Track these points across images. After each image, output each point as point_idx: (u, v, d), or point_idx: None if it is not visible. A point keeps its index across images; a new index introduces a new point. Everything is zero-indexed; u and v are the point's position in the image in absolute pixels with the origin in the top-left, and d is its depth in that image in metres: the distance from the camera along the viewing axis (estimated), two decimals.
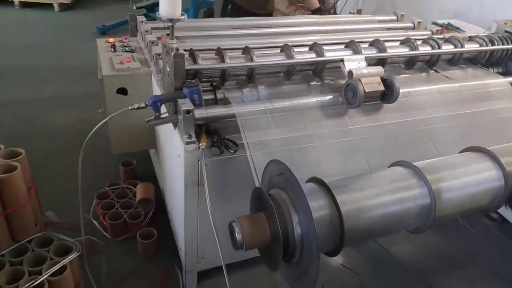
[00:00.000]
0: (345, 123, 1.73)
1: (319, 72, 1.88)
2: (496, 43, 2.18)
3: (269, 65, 1.73)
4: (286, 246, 1.18)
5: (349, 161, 1.65)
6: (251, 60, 1.70)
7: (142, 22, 2.39)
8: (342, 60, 1.79)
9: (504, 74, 2.29)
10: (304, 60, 1.77)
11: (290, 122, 1.66)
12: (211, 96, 1.70)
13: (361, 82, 1.68)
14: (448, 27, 2.89)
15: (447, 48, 2.08)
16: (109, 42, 2.42)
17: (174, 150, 1.70)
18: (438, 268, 2.24)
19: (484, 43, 2.16)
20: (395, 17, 2.91)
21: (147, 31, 2.23)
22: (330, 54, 1.84)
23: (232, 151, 1.56)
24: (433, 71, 2.15)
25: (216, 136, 1.61)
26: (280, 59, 1.77)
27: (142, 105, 1.60)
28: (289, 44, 1.83)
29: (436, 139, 1.79)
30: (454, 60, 2.15)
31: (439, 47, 2.03)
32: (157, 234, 2.15)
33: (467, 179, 1.42)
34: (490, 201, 1.46)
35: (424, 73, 2.15)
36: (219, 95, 1.70)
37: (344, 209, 1.21)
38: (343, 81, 1.89)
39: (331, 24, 2.61)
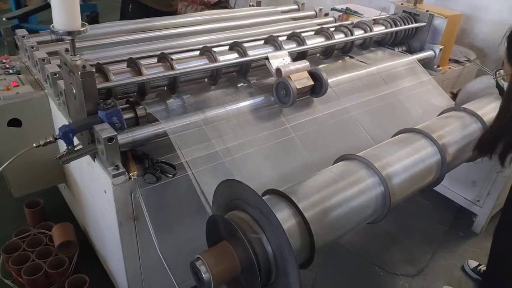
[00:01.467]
0: (282, 123, 1.64)
1: (244, 73, 1.77)
2: (399, 23, 2.28)
3: (193, 72, 1.56)
4: (259, 270, 1.06)
5: (294, 161, 1.57)
6: (172, 68, 1.52)
7: (24, 36, 2.02)
8: (267, 58, 1.70)
9: (408, 52, 2.43)
10: (229, 62, 1.64)
11: (228, 130, 1.52)
12: (130, 115, 1.48)
13: (292, 79, 1.61)
14: (347, 12, 2.99)
15: (359, 33, 2.11)
16: None
17: (97, 185, 1.46)
18: (380, 246, 2.32)
19: (389, 25, 2.25)
20: (296, 7, 2.92)
21: (33, 47, 1.88)
22: (254, 52, 1.74)
23: (171, 175, 1.37)
24: (348, 57, 2.18)
25: (148, 161, 1.40)
26: (203, 63, 1.61)
27: (50, 139, 1.32)
28: (208, 45, 1.68)
29: (365, 122, 1.82)
30: (365, 45, 2.21)
31: (352, 34, 2.05)
32: (89, 280, 1.86)
33: (410, 160, 1.45)
34: (432, 176, 1.51)
35: (340, 61, 2.17)
36: (140, 112, 1.49)
37: (308, 214, 1.13)
38: (269, 79, 1.83)
39: (238, 19, 2.51)
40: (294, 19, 2.73)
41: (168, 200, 1.48)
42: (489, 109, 1.79)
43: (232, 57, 1.68)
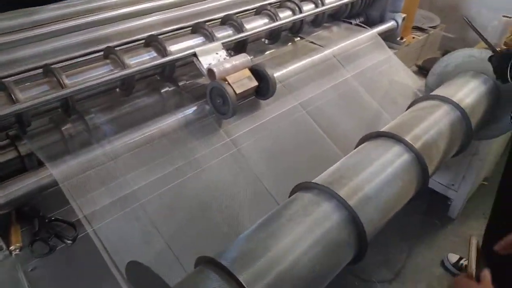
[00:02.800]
0: (220, 137, 1.29)
1: (168, 74, 1.37)
2: None
3: (91, 87, 1.15)
4: None
5: (242, 187, 1.24)
6: (62, 85, 1.11)
7: None
8: (195, 55, 1.31)
9: (366, 23, 2.10)
10: (142, 67, 1.23)
11: (146, 159, 1.16)
12: (11, 156, 1.08)
13: (229, 82, 1.24)
14: None
15: (309, 8, 1.74)
16: None
17: None
18: None
19: None
20: None
21: None
22: (176, 47, 1.34)
23: (70, 240, 1.00)
24: (299, 38, 1.83)
25: (38, 220, 1.02)
26: (106, 71, 1.21)
27: None
28: (112, 45, 1.26)
29: (325, 120, 1.50)
30: (318, 21, 1.85)
31: (301, 10, 1.68)
32: None
33: (382, 177, 1.14)
34: (413, 190, 1.22)
35: (290, 43, 1.81)
36: (24, 150, 1.09)
37: None
38: (203, 78, 1.44)
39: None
40: None
41: (78, 265, 1.11)
42: (467, 92, 1.51)
43: (146, 58, 1.28)
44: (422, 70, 2.12)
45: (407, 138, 1.23)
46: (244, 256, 0.87)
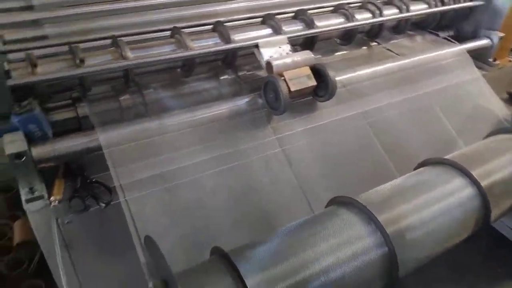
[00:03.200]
0: (268, 133, 1.26)
1: (230, 62, 1.37)
2: (447, 2, 1.77)
3: (151, 62, 1.19)
4: None
5: (278, 188, 1.20)
6: (123, 57, 1.16)
7: None
8: (256, 46, 1.30)
9: (456, 38, 1.92)
10: (203, 51, 1.25)
11: (189, 142, 1.17)
12: (71, 114, 1.16)
13: (285, 79, 1.20)
14: None
15: (391, 13, 1.63)
16: None
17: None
18: None
19: (434, 3, 1.74)
20: None
21: None
22: (241, 36, 1.34)
23: (104, 204, 1.05)
24: (376, 44, 1.72)
25: (81, 179, 1.09)
26: (168, 50, 1.24)
27: None
28: (179, 26, 1.29)
29: (387, 135, 1.40)
30: (400, 28, 1.73)
31: (381, 14, 1.58)
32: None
33: (434, 209, 1.02)
34: (468, 233, 1.09)
35: (364, 47, 1.71)
36: (83, 111, 1.16)
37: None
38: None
39: None
40: None
41: (108, 225, 1.15)
42: None
43: (210, 43, 1.29)
44: None
45: (474, 172, 1.09)
46: (258, 257, 0.84)
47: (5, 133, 1.00)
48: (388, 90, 1.48)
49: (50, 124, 1.08)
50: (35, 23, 1.27)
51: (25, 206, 0.99)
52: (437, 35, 1.85)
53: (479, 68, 1.84)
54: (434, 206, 1.01)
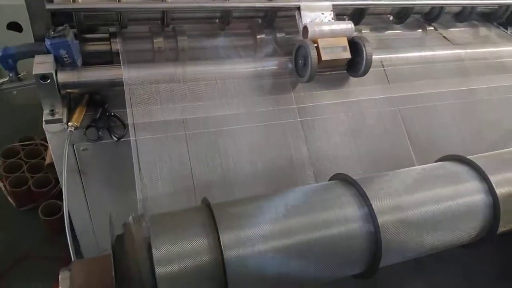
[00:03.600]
0: (289, 101, 1.23)
1: (268, 21, 1.34)
2: None
3: (186, 9, 1.19)
4: None
5: (287, 155, 1.19)
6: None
7: None
8: (298, 8, 1.24)
9: None
10: (241, 5, 1.22)
11: (207, 94, 1.17)
12: (105, 48, 1.20)
13: (318, 46, 1.16)
14: None
15: None
16: None
17: None
18: (403, 271, 1.88)
19: None
20: None
21: None
22: None
23: (116, 138, 1.09)
24: (432, 28, 1.60)
25: (102, 110, 1.13)
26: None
27: None
28: None
29: (418, 127, 1.32)
30: (464, 15, 1.58)
31: None
32: None
33: (438, 207, 0.96)
34: (470, 240, 1.03)
35: (419, 30, 1.59)
36: (116, 47, 1.19)
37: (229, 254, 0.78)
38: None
39: None
40: None
41: (120, 158, 1.20)
42: None
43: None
44: None
45: (493, 177, 1.01)
46: (239, 215, 0.85)
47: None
48: (431, 79, 1.38)
49: (81, 53, 1.12)
50: None
51: (44, 126, 1.05)
52: (505, 30, 1.68)
53: None
54: (437, 205, 0.96)
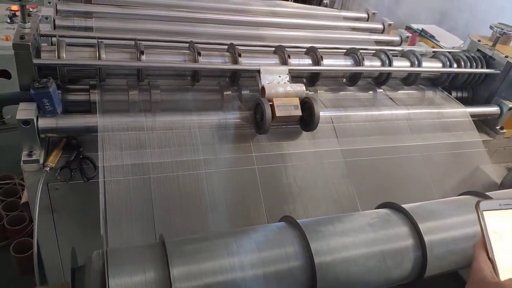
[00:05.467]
0: (247, 149, 1.38)
1: (234, 80, 1.52)
2: (462, 64, 1.82)
3: (159, 68, 1.36)
4: None
5: (245, 203, 1.32)
6: (138, 58, 1.33)
7: None
8: (258, 71, 1.43)
9: (469, 100, 1.96)
10: (207, 66, 1.40)
11: (175, 142, 1.31)
12: (85, 98, 1.35)
13: (273, 104, 1.33)
14: (421, 34, 2.52)
15: (400, 65, 1.72)
16: (11, 10, 2.02)
17: None
18: None
19: (448, 63, 1.80)
20: (365, 15, 2.53)
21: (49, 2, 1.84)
22: (248, 60, 1.48)
23: (86, 179, 1.21)
24: (381, 90, 1.80)
25: (76, 153, 1.25)
26: (179, 59, 1.40)
27: None
28: (195, 41, 1.46)
29: (359, 176, 1.47)
30: (410, 80, 1.80)
31: (390, 64, 1.67)
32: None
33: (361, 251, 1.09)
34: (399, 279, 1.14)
35: (370, 92, 1.80)
36: (94, 97, 1.34)
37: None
38: None
39: (282, 15, 2.20)
40: (354, 29, 2.35)
41: (92, 197, 1.31)
42: None
43: (218, 61, 1.44)
44: None
45: (422, 225, 1.15)
46: (194, 253, 0.96)
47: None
48: (377, 136, 1.56)
49: (62, 101, 1.27)
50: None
51: (22, 166, 1.17)
52: (449, 94, 1.90)
53: (485, 133, 1.87)
54: (370, 247, 1.08)
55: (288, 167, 1.38)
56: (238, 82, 1.52)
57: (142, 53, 1.33)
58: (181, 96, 1.49)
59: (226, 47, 1.53)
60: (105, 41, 1.35)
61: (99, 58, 1.28)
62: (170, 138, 1.30)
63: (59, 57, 1.25)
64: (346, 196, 1.40)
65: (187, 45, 1.48)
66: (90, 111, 1.34)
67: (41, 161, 1.18)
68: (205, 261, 0.94)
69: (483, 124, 1.89)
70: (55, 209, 1.29)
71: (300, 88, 1.39)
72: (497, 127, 1.87)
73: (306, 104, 1.37)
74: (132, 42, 1.41)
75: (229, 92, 1.54)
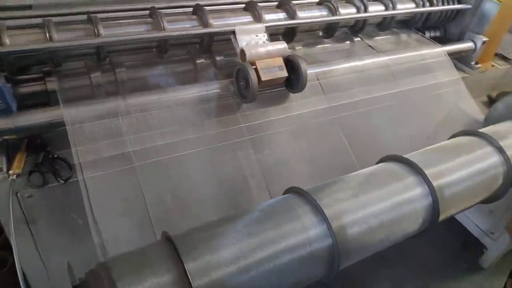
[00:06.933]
0: (236, 121, 1.27)
1: (206, 47, 1.37)
2: (435, 2, 1.76)
3: (124, 41, 1.19)
4: None
5: (241, 176, 1.22)
6: (97, 34, 1.15)
7: None
8: (233, 32, 1.29)
9: (443, 39, 1.92)
10: (177, 33, 1.24)
11: (160, 123, 1.18)
12: (41, 88, 1.16)
13: (256, 67, 1.21)
14: None
15: (376, 10, 1.63)
16: None
17: None
18: (368, 269, 1.96)
19: (421, 3, 1.73)
20: None
21: None
22: (219, 21, 1.33)
23: (63, 180, 1.06)
24: (359, 39, 1.72)
25: (43, 154, 1.09)
26: (143, 30, 1.23)
27: None
28: (158, 6, 1.28)
29: (355, 131, 1.41)
30: (385, 25, 1.72)
31: (366, 10, 1.57)
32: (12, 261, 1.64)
33: (383, 206, 1.05)
34: (416, 230, 1.12)
35: (347, 42, 1.71)
36: (51, 86, 1.16)
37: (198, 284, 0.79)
38: None
39: None
40: None
41: (70, 201, 1.16)
42: None
43: (187, 25, 1.29)
44: (493, 102, 1.91)
45: (428, 171, 1.11)
46: (203, 244, 0.86)
47: None
48: (362, 87, 1.49)
49: (16, 97, 1.08)
50: None
51: None
52: (423, 34, 1.85)
53: (461, 70, 1.86)
54: (383, 203, 1.04)
55: (279, 133, 1.29)
56: (211, 48, 1.38)
57: (98, 28, 1.15)
58: (149, 71, 1.32)
59: (191, 9, 1.36)
60: (53, 19, 1.15)
61: (51, 39, 1.09)
62: (148, 120, 1.16)
63: (1, 44, 1.05)
64: (342, 151, 1.34)
65: (147, 12, 1.30)
66: (49, 103, 1.16)
67: (4, 169, 1.01)
68: (220, 249, 0.85)
69: (458, 61, 1.87)
70: (31, 219, 1.13)
71: (282, 46, 1.27)
72: (472, 63, 1.86)
73: (291, 63, 1.26)
74: (85, 17, 1.22)
75: (202, 60, 1.39)
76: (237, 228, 0.90)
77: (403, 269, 1.98)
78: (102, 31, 1.15)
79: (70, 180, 1.06)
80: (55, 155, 1.09)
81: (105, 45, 1.16)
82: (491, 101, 1.96)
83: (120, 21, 1.24)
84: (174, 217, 1.09)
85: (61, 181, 1.05)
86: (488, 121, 1.59)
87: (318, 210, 0.96)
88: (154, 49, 1.33)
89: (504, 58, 2.01)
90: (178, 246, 0.82)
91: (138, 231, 1.04)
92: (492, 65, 1.95)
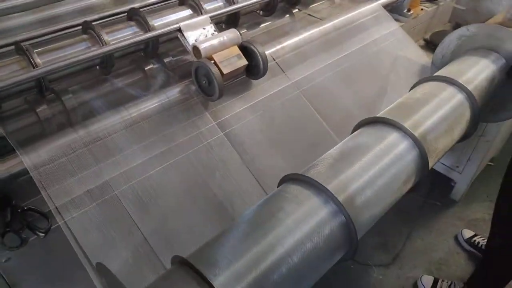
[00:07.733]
0: (206, 121, 1.21)
1: (152, 51, 1.28)
2: None
3: (66, 66, 1.07)
4: None
5: (228, 174, 1.17)
6: (33, 65, 1.02)
7: None
8: (179, 30, 1.21)
9: None
10: (122, 43, 1.14)
11: (124, 144, 1.09)
12: None
13: (215, 62, 1.15)
14: None
15: None
16: None
17: None
18: None
19: None
20: None
21: None
22: (160, 21, 1.24)
23: (42, 233, 0.95)
24: (297, 10, 1.70)
25: (10, 209, 0.96)
26: (83, 49, 1.12)
27: None
28: (90, 19, 1.17)
29: (322, 101, 1.41)
30: None
31: None
32: None
33: (379, 167, 1.06)
34: (411, 182, 1.15)
35: (287, 15, 1.69)
36: None
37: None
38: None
39: None
40: None
41: (59, 251, 1.05)
42: (475, 72, 1.40)
43: (128, 33, 1.19)
44: (430, 45, 2.01)
45: (406, 124, 1.13)
46: (219, 255, 0.81)
47: None
48: (316, 57, 1.49)
49: None
50: None
51: None
52: None
53: (397, 20, 1.91)
54: (377, 165, 1.04)
55: (253, 121, 1.25)
56: (157, 51, 1.29)
57: (33, 57, 1.02)
58: (98, 90, 1.22)
59: (125, 15, 1.26)
60: None
61: None
62: (116, 143, 1.07)
63: None
64: (315, 123, 1.33)
65: (79, 28, 1.18)
66: None
67: None
68: (238, 258, 0.80)
69: (392, 13, 1.92)
70: (13, 284, 1.01)
71: (234, 34, 1.22)
72: (405, 11, 1.92)
73: (247, 50, 1.22)
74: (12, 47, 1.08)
75: (150, 66, 1.30)
76: (250, 231, 0.86)
77: (384, 220, 2.05)
78: (38, 59, 1.03)
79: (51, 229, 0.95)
80: (24, 207, 0.97)
81: (45, 75, 1.04)
82: (427, 44, 2.05)
83: (53, 44, 1.11)
84: (174, 234, 1.03)
85: (40, 234, 0.94)
86: (435, 64, 1.66)
87: (321, 189, 0.94)
88: (97, 67, 1.22)
89: (430, 0, 2.10)
90: (199, 267, 0.76)
91: (141, 261, 0.97)
92: (422, 9, 2.03)
